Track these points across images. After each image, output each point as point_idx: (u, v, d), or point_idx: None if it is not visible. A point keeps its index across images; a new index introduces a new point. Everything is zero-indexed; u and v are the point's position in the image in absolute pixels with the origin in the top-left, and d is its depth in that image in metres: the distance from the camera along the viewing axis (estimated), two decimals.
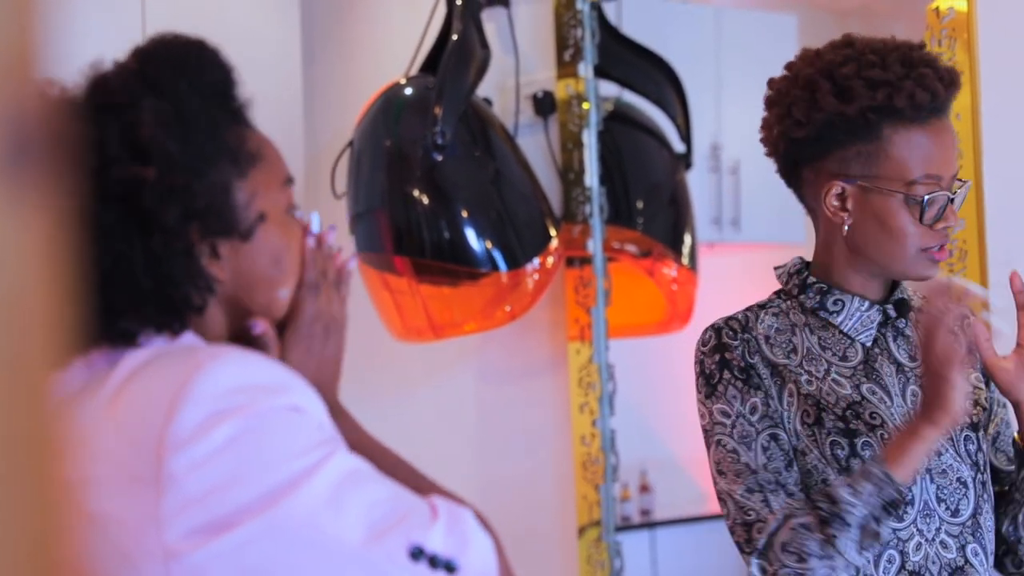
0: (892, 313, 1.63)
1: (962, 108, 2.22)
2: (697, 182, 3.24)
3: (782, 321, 1.64)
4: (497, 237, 2.83)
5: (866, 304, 1.62)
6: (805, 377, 1.59)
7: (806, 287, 1.66)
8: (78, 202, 1.11)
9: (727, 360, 1.61)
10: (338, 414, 1.22)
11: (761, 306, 1.67)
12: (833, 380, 1.59)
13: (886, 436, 1.55)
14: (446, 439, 3.26)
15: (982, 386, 1.65)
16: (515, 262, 2.84)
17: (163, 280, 1.12)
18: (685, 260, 3.07)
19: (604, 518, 2.93)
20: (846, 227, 1.60)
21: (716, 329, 1.63)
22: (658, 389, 3.49)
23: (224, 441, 1.04)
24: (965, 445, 1.60)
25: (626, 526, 3.24)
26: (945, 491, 1.57)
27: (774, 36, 3.58)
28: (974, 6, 2.24)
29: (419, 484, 1.16)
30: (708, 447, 1.63)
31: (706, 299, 3.13)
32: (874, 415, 1.57)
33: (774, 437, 1.58)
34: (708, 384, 1.61)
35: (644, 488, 3.41)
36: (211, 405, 1.05)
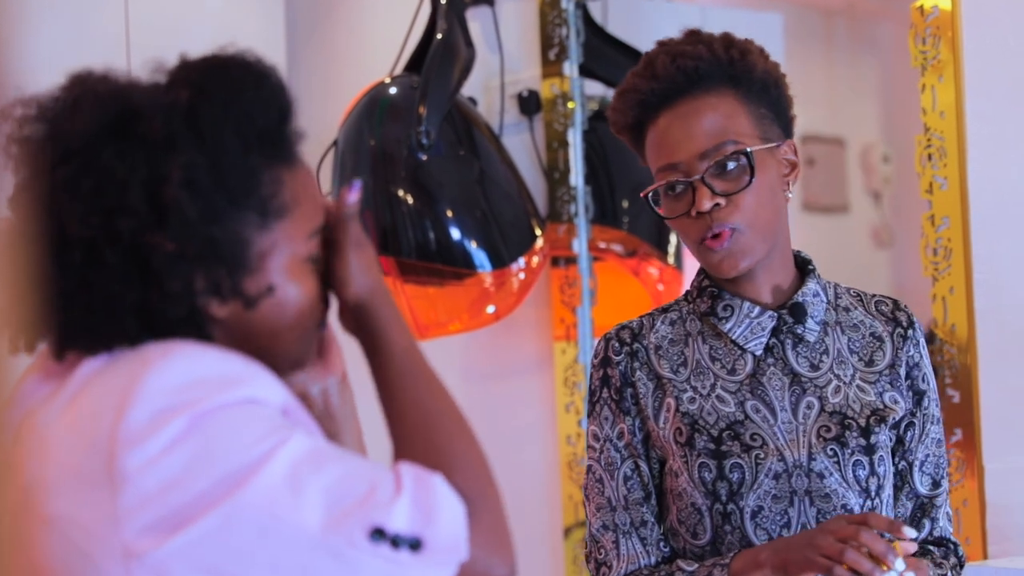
0: (788, 319, 1.54)
1: (946, 106, 2.22)
2: None
3: (676, 331, 1.58)
4: (482, 237, 2.83)
5: (756, 310, 1.54)
6: (689, 394, 1.53)
7: (701, 290, 1.59)
8: (80, 232, 1.08)
9: (608, 377, 1.58)
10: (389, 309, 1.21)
11: (664, 310, 1.61)
12: (717, 397, 1.53)
13: (761, 457, 1.49)
14: None
15: (895, 405, 1.55)
16: (500, 262, 2.84)
17: (153, 322, 1.10)
18: (671, 260, 3.07)
19: None
20: None
21: (606, 340, 1.59)
22: None
23: (176, 436, 1.03)
24: (854, 471, 1.50)
25: None
26: (827, 516, 1.49)
27: (760, 34, 3.55)
28: (958, 5, 2.24)
29: (452, 423, 1.15)
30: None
31: None
32: (755, 436, 1.51)
33: (636, 468, 1.56)
34: (590, 401, 1.60)
35: None
36: (161, 401, 1.04)
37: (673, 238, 3.09)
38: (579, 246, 2.94)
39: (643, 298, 3.10)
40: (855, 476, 1.51)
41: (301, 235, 1.16)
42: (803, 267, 1.62)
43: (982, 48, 2.24)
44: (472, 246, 2.82)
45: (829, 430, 1.51)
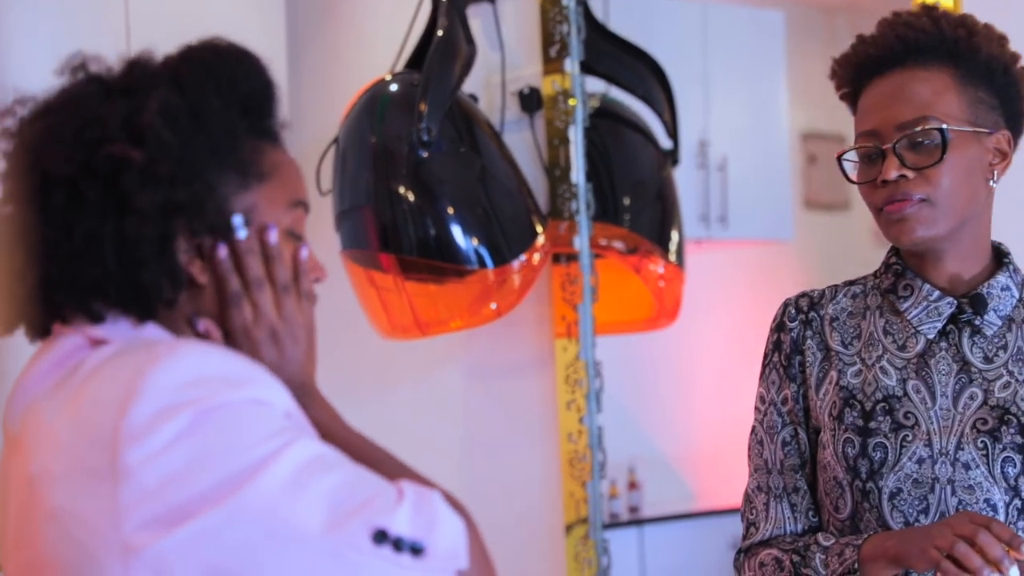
0: (967, 308, 1.51)
1: None
2: (684, 179, 3.23)
3: (857, 303, 1.58)
4: (483, 234, 2.82)
5: (936, 294, 1.52)
6: (855, 368, 1.53)
7: (888, 267, 1.58)
8: (64, 171, 1.12)
9: (780, 342, 1.60)
10: (311, 403, 1.21)
11: (850, 283, 1.61)
12: (880, 368, 1.52)
13: (909, 439, 1.48)
14: (433, 437, 3.25)
15: None
16: (501, 259, 2.83)
17: (130, 262, 1.11)
18: (672, 257, 3.06)
19: (591, 515, 2.92)
20: None
21: (785, 305, 1.61)
22: (645, 386, 3.48)
23: (179, 432, 1.03)
24: (1003, 466, 1.47)
25: (614, 523, 3.23)
26: (968, 508, 1.46)
27: (761, 32, 3.58)
28: (960, 1, 2.24)
29: (392, 469, 1.15)
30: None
31: (693, 296, 3.13)
32: (909, 415, 1.50)
33: (796, 434, 1.58)
34: (762, 362, 1.61)
35: (632, 485, 3.41)
36: (166, 398, 1.04)
37: (674, 235, 3.09)
38: (580, 243, 2.94)
39: (644, 295, 3.10)
40: (1003, 472, 1.47)
41: (282, 201, 1.18)
42: (999, 259, 1.58)
43: None
44: (473, 243, 2.81)
45: (986, 423, 1.49)
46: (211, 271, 1.16)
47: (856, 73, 1.55)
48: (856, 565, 1.45)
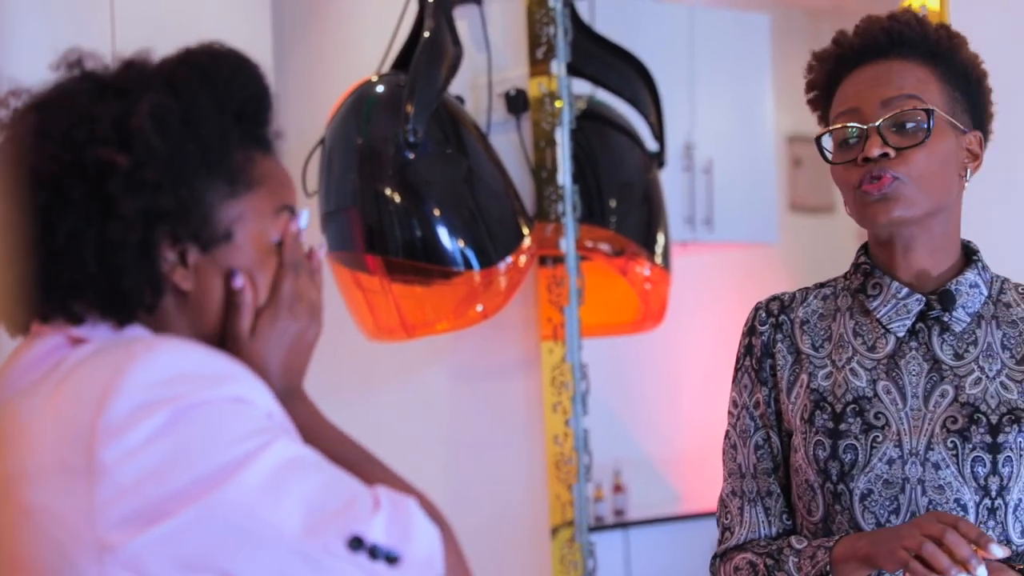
0: (935, 305, 1.51)
1: None
2: (670, 181, 3.24)
3: (828, 305, 1.58)
4: (469, 236, 2.82)
5: (904, 291, 1.52)
6: (825, 370, 1.53)
7: (857, 267, 1.58)
8: (50, 169, 1.11)
9: (751, 346, 1.60)
10: (297, 398, 1.20)
11: (822, 284, 1.62)
12: (850, 370, 1.52)
13: (879, 440, 1.49)
14: (418, 438, 3.25)
15: None
16: (488, 261, 2.83)
17: (110, 267, 1.10)
18: (658, 259, 3.07)
19: (577, 518, 2.92)
20: None
21: (756, 309, 1.61)
22: (631, 388, 3.48)
23: (156, 430, 1.02)
24: (972, 466, 1.46)
25: (599, 526, 3.23)
26: (939, 508, 1.46)
27: (747, 35, 3.58)
28: (947, 5, 2.24)
29: (374, 472, 1.15)
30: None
31: (679, 298, 3.13)
32: (879, 415, 1.50)
33: (768, 438, 1.58)
34: (735, 366, 1.61)
35: (618, 488, 3.41)
36: (143, 395, 1.03)
37: (661, 238, 3.09)
38: (567, 245, 2.94)
39: (631, 297, 3.10)
40: (973, 472, 1.46)
41: (269, 209, 1.17)
42: (968, 257, 1.58)
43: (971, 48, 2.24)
44: (459, 245, 2.81)
45: (955, 421, 1.49)
46: (196, 277, 1.15)
47: (837, 64, 1.55)
48: (828, 568, 1.45)
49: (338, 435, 1.20)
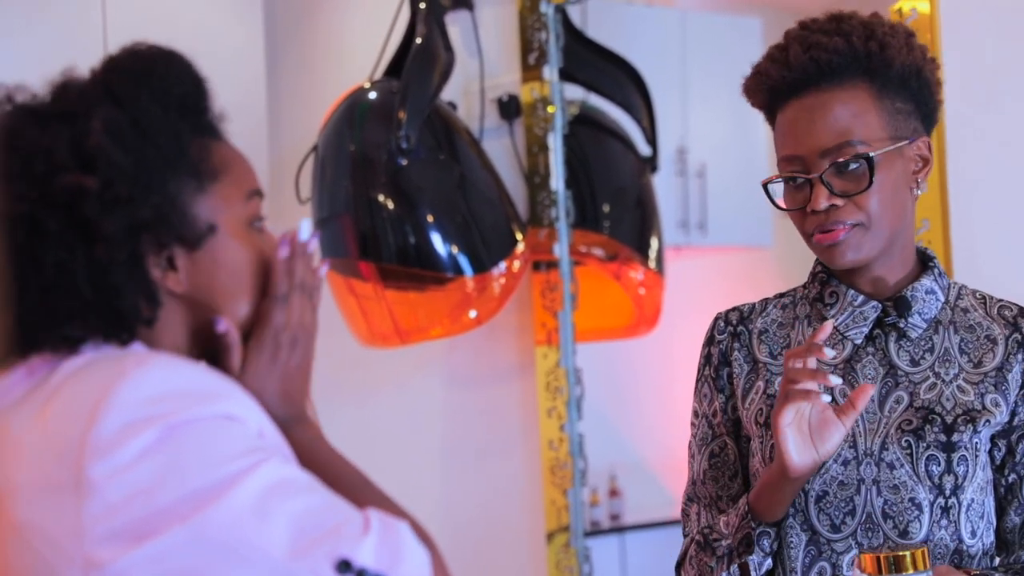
0: (891, 311, 1.52)
1: None
2: (663, 186, 3.24)
3: (787, 314, 1.59)
4: (463, 242, 2.82)
5: (860, 299, 1.53)
6: (782, 378, 1.53)
7: (814, 276, 1.59)
8: (20, 208, 1.10)
9: (710, 355, 1.61)
10: (301, 424, 1.20)
11: (781, 294, 1.62)
12: None
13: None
14: (413, 445, 3.25)
15: (995, 408, 1.49)
16: (481, 267, 2.83)
17: (106, 290, 1.10)
18: (652, 264, 3.07)
19: (573, 523, 2.92)
20: None
21: (715, 320, 1.62)
22: (626, 393, 3.48)
23: (146, 447, 1.02)
24: (927, 464, 1.48)
25: (595, 531, 3.23)
26: (894, 508, 1.47)
27: (739, 39, 3.58)
28: (936, 8, 2.25)
29: (367, 496, 1.14)
30: None
31: (673, 303, 3.13)
32: None
33: (725, 446, 1.59)
34: (696, 377, 1.62)
35: (613, 492, 3.41)
36: (133, 412, 1.03)
37: (654, 243, 3.10)
38: (560, 250, 2.94)
39: (624, 302, 3.10)
40: (927, 471, 1.47)
41: (239, 196, 1.18)
42: (924, 263, 1.58)
43: (960, 51, 2.25)
44: (453, 251, 2.81)
45: (910, 423, 1.50)
46: (188, 279, 1.15)
47: (770, 95, 1.54)
48: (748, 507, 1.47)
49: (339, 460, 1.20)
